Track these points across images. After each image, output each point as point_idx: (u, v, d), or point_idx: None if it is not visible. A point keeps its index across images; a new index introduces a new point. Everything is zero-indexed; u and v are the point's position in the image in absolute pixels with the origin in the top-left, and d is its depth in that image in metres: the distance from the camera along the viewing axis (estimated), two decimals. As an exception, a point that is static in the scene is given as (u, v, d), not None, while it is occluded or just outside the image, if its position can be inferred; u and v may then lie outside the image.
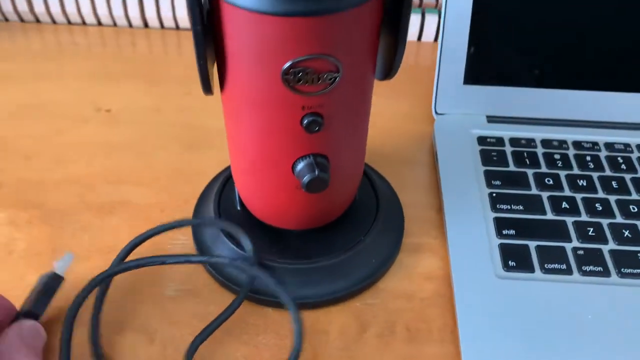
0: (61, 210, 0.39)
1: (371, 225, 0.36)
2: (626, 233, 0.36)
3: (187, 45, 0.57)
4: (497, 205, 0.37)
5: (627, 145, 0.42)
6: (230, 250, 0.34)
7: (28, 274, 0.35)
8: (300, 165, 0.29)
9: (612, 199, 0.38)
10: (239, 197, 0.36)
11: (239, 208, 0.36)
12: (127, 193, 0.40)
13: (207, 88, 0.27)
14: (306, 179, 0.28)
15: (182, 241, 0.37)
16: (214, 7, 0.25)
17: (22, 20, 0.59)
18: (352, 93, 0.28)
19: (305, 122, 0.27)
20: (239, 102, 0.28)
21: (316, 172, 0.28)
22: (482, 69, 0.43)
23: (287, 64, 0.25)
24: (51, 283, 0.31)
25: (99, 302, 0.32)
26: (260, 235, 0.35)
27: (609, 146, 0.42)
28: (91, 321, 0.31)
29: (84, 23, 0.59)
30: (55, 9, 0.57)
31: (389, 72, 0.28)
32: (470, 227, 0.36)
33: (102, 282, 0.32)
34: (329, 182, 0.29)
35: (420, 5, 0.58)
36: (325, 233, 0.35)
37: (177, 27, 0.59)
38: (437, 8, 0.57)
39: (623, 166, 0.40)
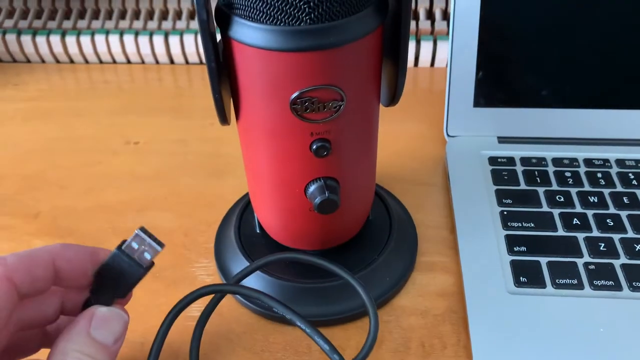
0: (92, 236, 0.41)
1: (384, 245, 0.37)
2: (638, 247, 0.36)
3: (210, 79, 0.60)
4: (508, 223, 0.38)
5: (638, 161, 0.42)
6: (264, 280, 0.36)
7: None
8: (311, 188, 0.30)
9: (624, 214, 0.38)
10: (258, 220, 0.38)
11: (258, 231, 0.38)
12: (153, 219, 0.42)
13: (223, 119, 0.29)
14: (317, 200, 0.30)
15: (204, 264, 0.39)
16: (227, 45, 0.27)
17: (57, 61, 0.63)
18: (357, 119, 0.29)
19: (314, 147, 0.29)
20: (253, 130, 0.30)
21: (326, 194, 0.30)
22: (491, 91, 0.44)
23: (295, 95, 0.27)
24: (145, 271, 0.28)
25: (205, 315, 0.32)
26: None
27: (620, 162, 0.42)
28: (194, 334, 0.32)
29: (114, 62, 0.63)
30: (88, 49, 0.61)
31: (392, 98, 0.30)
32: (481, 245, 0.37)
33: (206, 295, 0.31)
34: (340, 204, 0.31)
35: (432, 33, 0.60)
36: (340, 253, 0.36)
37: (201, 62, 0.62)
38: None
39: (634, 182, 0.41)
